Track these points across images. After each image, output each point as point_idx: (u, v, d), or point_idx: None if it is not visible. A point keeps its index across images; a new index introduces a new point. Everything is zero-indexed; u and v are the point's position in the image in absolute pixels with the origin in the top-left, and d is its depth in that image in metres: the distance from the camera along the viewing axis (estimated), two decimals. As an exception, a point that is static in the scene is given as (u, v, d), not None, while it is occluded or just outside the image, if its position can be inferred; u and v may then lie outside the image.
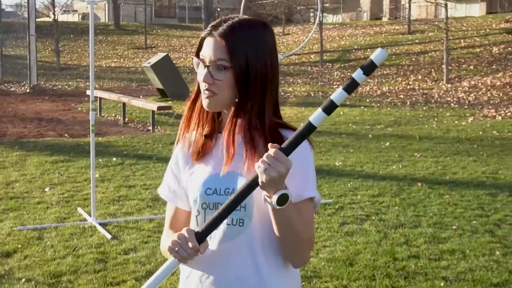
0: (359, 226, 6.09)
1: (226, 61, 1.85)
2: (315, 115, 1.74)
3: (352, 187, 7.50)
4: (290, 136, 1.89)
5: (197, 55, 1.93)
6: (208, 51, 1.88)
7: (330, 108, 1.72)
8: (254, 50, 1.87)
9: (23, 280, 4.81)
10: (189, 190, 1.98)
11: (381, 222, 6.20)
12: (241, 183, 1.89)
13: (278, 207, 1.76)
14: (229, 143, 1.91)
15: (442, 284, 4.73)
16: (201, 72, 1.91)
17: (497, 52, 22.40)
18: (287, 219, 1.82)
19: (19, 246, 5.56)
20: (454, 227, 6.04)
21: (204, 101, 1.92)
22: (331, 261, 5.13)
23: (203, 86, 1.91)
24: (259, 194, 1.87)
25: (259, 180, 1.72)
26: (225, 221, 1.90)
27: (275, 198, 1.75)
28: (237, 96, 1.89)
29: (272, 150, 1.72)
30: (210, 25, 1.92)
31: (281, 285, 1.90)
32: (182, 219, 2.02)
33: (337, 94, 1.71)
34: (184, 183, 2.00)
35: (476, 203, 6.81)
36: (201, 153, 1.96)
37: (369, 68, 1.68)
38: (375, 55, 1.65)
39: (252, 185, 1.76)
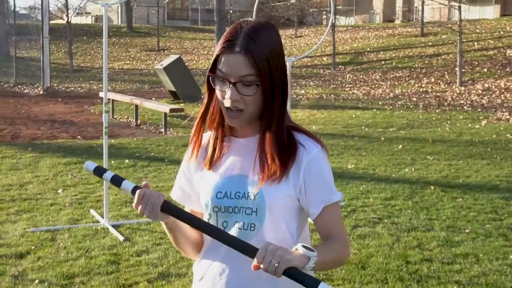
0: (372, 229, 6.07)
1: (254, 76, 1.81)
2: None
3: (365, 190, 7.48)
4: (304, 140, 1.89)
5: (213, 71, 1.87)
6: (231, 68, 1.82)
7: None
8: (274, 56, 1.85)
9: (36, 281, 4.84)
10: (200, 193, 1.98)
11: (394, 225, 6.18)
12: (250, 186, 1.88)
13: (314, 254, 1.74)
14: (261, 155, 1.90)
15: (455, 288, 4.70)
16: (223, 89, 1.85)
17: (511, 54, 22.28)
18: (324, 264, 1.83)
19: (32, 247, 5.59)
20: (467, 230, 6.01)
21: (230, 119, 1.88)
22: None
23: (227, 103, 1.85)
24: (271, 198, 1.87)
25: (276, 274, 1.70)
26: (237, 225, 1.90)
27: (307, 251, 1.73)
28: (262, 107, 1.88)
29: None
30: (225, 40, 1.84)
31: None
32: None
33: None
34: (196, 186, 2.01)
35: (490, 207, 6.76)
36: (213, 159, 1.96)
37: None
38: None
39: (248, 253, 1.74)
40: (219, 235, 1.79)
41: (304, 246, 1.74)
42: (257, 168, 1.89)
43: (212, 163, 1.96)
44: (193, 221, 1.82)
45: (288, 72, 4.70)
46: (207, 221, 1.95)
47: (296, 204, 1.91)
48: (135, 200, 1.82)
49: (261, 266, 1.67)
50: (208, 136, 2.01)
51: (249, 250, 1.72)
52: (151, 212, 1.81)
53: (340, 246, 1.89)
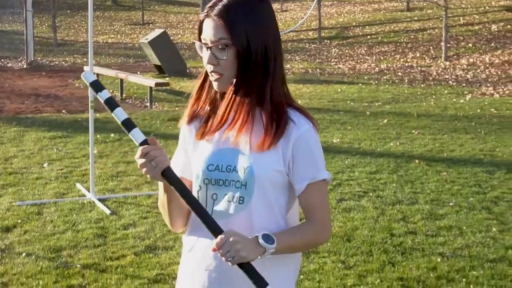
0: (357, 202, 6.13)
1: (226, 40, 1.86)
2: None
3: (350, 164, 7.53)
4: (295, 117, 1.91)
5: (199, 39, 1.93)
6: (208, 33, 1.88)
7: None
8: (253, 25, 1.87)
9: (24, 254, 4.85)
10: (192, 165, 2.00)
11: (379, 198, 6.24)
12: (240, 160, 1.90)
13: (272, 246, 1.82)
14: (222, 116, 1.93)
15: (439, 260, 4.77)
16: (205, 55, 1.91)
17: (496, 29, 22.35)
18: (292, 247, 1.91)
19: (19, 221, 5.59)
20: (451, 204, 6.08)
21: (214, 84, 1.93)
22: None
23: (209, 68, 1.91)
24: (260, 173, 1.89)
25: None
26: (226, 198, 1.93)
27: (264, 243, 1.81)
28: (241, 73, 1.90)
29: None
30: (207, 7, 1.92)
31: (280, 262, 1.92)
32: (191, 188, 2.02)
33: None
34: (191, 157, 2.02)
35: (473, 181, 6.84)
36: (206, 130, 1.98)
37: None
38: None
39: (214, 232, 1.82)
40: (201, 214, 1.84)
41: (265, 236, 1.81)
42: (247, 141, 1.92)
43: (204, 135, 1.98)
44: (185, 193, 1.84)
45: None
46: (196, 192, 1.97)
47: (285, 179, 1.94)
48: (138, 153, 1.82)
49: (219, 252, 1.78)
50: (206, 109, 2.03)
51: (215, 230, 1.81)
52: (150, 171, 1.81)
53: (313, 230, 1.93)
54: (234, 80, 1.91)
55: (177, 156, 2.07)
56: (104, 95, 1.83)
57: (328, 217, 1.96)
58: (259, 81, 1.91)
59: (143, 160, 1.81)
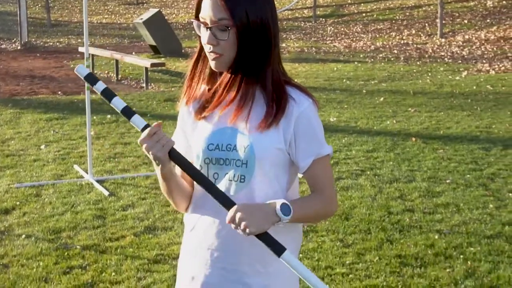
0: (354, 181, 6.16)
1: (227, 20, 1.85)
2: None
3: (347, 143, 7.54)
4: (295, 94, 1.91)
5: (197, 17, 1.92)
6: (208, 12, 1.87)
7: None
8: (253, 4, 1.87)
9: (23, 236, 4.87)
10: (193, 145, 2.01)
11: (376, 177, 6.26)
12: (240, 139, 1.91)
13: (287, 217, 1.84)
14: (222, 95, 1.93)
15: (436, 237, 4.81)
16: (203, 34, 1.90)
17: (491, 5, 22.28)
18: (304, 218, 1.93)
19: (17, 203, 5.60)
20: (448, 181, 6.11)
21: (211, 63, 1.92)
22: (328, 218, 5.18)
23: (207, 48, 1.90)
24: (261, 151, 1.90)
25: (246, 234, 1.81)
26: (227, 177, 1.94)
27: (280, 213, 1.84)
28: (241, 53, 1.90)
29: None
30: None
31: (286, 234, 1.93)
32: None
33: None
34: (190, 138, 2.03)
35: (470, 157, 6.87)
36: (205, 110, 1.98)
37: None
38: None
39: (228, 207, 1.84)
40: (210, 187, 1.85)
41: (283, 207, 1.83)
42: (247, 119, 1.92)
43: (203, 115, 1.98)
44: (191, 170, 1.87)
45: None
46: None
47: (286, 157, 1.95)
48: (143, 135, 1.83)
49: (232, 225, 1.81)
50: (202, 88, 2.03)
51: (228, 205, 1.83)
52: (158, 151, 1.82)
53: (323, 202, 1.95)
54: (233, 59, 1.91)
55: (175, 137, 2.07)
56: (100, 86, 1.86)
57: (334, 190, 2.00)
58: (259, 60, 1.91)
59: (149, 141, 1.82)
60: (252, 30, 1.87)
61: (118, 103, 1.85)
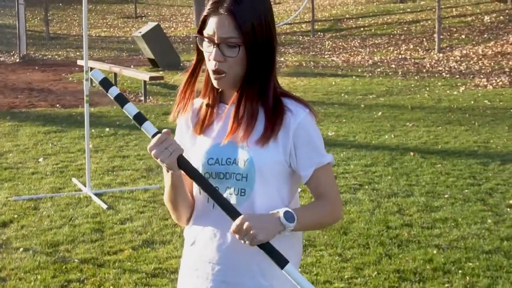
0: (353, 195, 6.16)
1: (237, 38, 1.85)
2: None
3: (345, 157, 7.55)
4: (292, 105, 1.93)
5: (200, 33, 1.92)
6: (215, 29, 1.87)
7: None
8: (260, 21, 1.88)
9: (21, 249, 4.86)
10: (191, 159, 2.01)
11: (374, 191, 6.26)
12: (240, 153, 1.92)
13: (292, 224, 1.84)
14: (235, 115, 1.94)
15: (435, 251, 4.80)
16: (209, 50, 1.90)
17: (488, 21, 22.39)
18: (309, 225, 1.95)
19: (15, 216, 5.59)
20: (446, 196, 6.11)
21: (214, 81, 1.92)
22: (326, 230, 5.19)
23: (212, 65, 1.90)
24: (261, 164, 1.91)
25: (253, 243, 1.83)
26: (228, 191, 1.94)
27: (285, 221, 1.84)
28: (246, 70, 1.91)
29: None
30: (211, 2, 1.90)
31: (286, 244, 1.93)
32: (189, 182, 2.03)
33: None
34: (189, 152, 2.03)
35: (468, 172, 6.88)
36: (204, 125, 1.99)
37: None
38: None
39: (232, 216, 1.85)
40: (216, 196, 1.87)
41: (287, 214, 1.83)
42: (247, 134, 1.93)
43: (203, 129, 1.99)
44: (198, 178, 1.88)
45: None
46: (197, 187, 1.99)
47: (286, 169, 1.96)
48: (153, 142, 1.84)
49: (236, 236, 1.81)
50: (199, 102, 2.03)
51: (234, 215, 1.84)
52: (168, 157, 1.83)
53: (328, 208, 1.96)
54: (238, 79, 1.91)
55: None
56: (114, 91, 1.89)
57: (338, 196, 2.00)
58: (263, 76, 1.92)
59: (158, 148, 1.83)
60: (259, 46, 1.88)
61: (130, 109, 1.88)
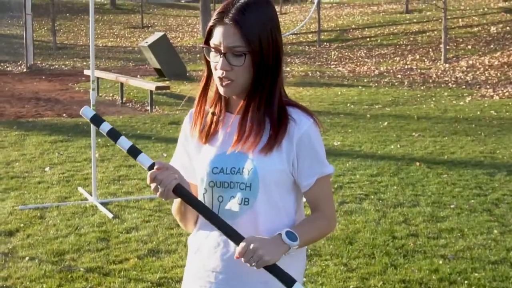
0: (358, 205, 6.15)
1: (243, 47, 1.87)
2: None
3: (351, 167, 7.55)
4: (296, 114, 1.93)
5: (207, 43, 1.94)
6: (221, 39, 1.88)
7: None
8: (265, 30, 1.90)
9: (27, 258, 4.86)
10: (196, 168, 2.02)
11: (380, 201, 6.25)
12: (244, 162, 1.93)
13: (296, 243, 1.87)
14: (241, 124, 1.95)
15: (440, 262, 4.79)
16: (215, 60, 1.92)
17: (495, 31, 22.38)
18: (311, 240, 1.97)
19: (21, 225, 5.60)
20: (452, 206, 6.10)
21: (221, 89, 1.94)
22: (331, 240, 5.18)
23: (218, 73, 1.91)
24: (264, 173, 1.92)
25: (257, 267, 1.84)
26: (231, 200, 1.95)
27: (288, 241, 1.87)
28: (252, 78, 1.92)
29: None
30: (217, 12, 1.92)
31: (286, 262, 1.93)
32: (194, 192, 2.05)
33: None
34: (194, 161, 2.05)
35: (474, 183, 6.86)
36: (209, 134, 2.00)
37: None
38: None
39: (236, 242, 1.86)
40: (217, 222, 1.88)
41: (288, 234, 1.85)
42: (251, 144, 1.94)
43: (208, 138, 2.00)
44: (198, 206, 1.90)
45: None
46: (202, 195, 2.00)
47: (290, 179, 1.97)
48: (147, 179, 1.88)
49: (242, 259, 1.81)
50: (206, 110, 2.05)
51: (236, 239, 1.85)
52: (162, 194, 1.87)
53: (324, 221, 1.98)
54: (245, 87, 1.92)
55: (177, 156, 2.10)
56: (105, 127, 1.91)
57: (333, 208, 2.04)
58: (269, 87, 1.93)
59: (152, 185, 1.87)
60: (265, 55, 1.89)
61: (124, 143, 1.90)
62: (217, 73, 1.93)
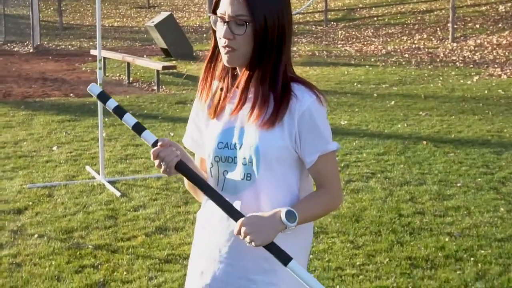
0: (365, 183, 6.16)
1: (246, 16, 1.88)
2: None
3: (358, 146, 7.55)
4: (299, 91, 1.93)
5: (214, 12, 1.95)
6: (226, 7, 1.90)
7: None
8: (272, 4, 1.90)
9: (36, 235, 4.91)
10: (205, 143, 2.04)
11: (387, 179, 6.27)
12: (247, 137, 1.94)
13: (293, 224, 1.88)
14: (241, 93, 1.96)
15: (447, 239, 4.81)
16: (220, 29, 1.93)
17: (503, 10, 22.20)
18: (312, 216, 1.98)
19: (30, 203, 5.65)
20: (459, 184, 6.10)
21: (224, 57, 1.95)
22: (338, 218, 5.20)
23: (222, 42, 1.93)
24: (266, 149, 1.92)
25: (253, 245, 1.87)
26: (235, 175, 1.98)
27: (286, 221, 1.88)
28: (255, 49, 1.93)
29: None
30: None
31: (289, 238, 1.95)
32: (203, 163, 2.07)
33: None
34: (203, 134, 2.07)
35: (481, 161, 6.86)
36: (217, 109, 2.01)
37: None
38: None
39: (234, 217, 1.89)
40: (216, 199, 1.91)
41: (288, 214, 1.86)
42: (254, 119, 1.95)
43: (216, 113, 2.02)
44: (198, 182, 1.93)
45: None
46: (209, 169, 2.02)
47: (293, 155, 1.97)
48: (151, 156, 1.93)
49: (239, 236, 1.86)
50: (216, 84, 2.06)
51: (236, 216, 1.89)
52: (165, 171, 1.91)
53: (328, 198, 1.98)
54: (248, 58, 1.93)
55: (189, 128, 2.13)
56: (111, 104, 1.95)
57: (339, 183, 2.03)
58: (273, 61, 1.94)
59: (156, 161, 1.91)
60: (269, 28, 1.90)
61: (129, 120, 1.94)
62: (221, 42, 1.94)
